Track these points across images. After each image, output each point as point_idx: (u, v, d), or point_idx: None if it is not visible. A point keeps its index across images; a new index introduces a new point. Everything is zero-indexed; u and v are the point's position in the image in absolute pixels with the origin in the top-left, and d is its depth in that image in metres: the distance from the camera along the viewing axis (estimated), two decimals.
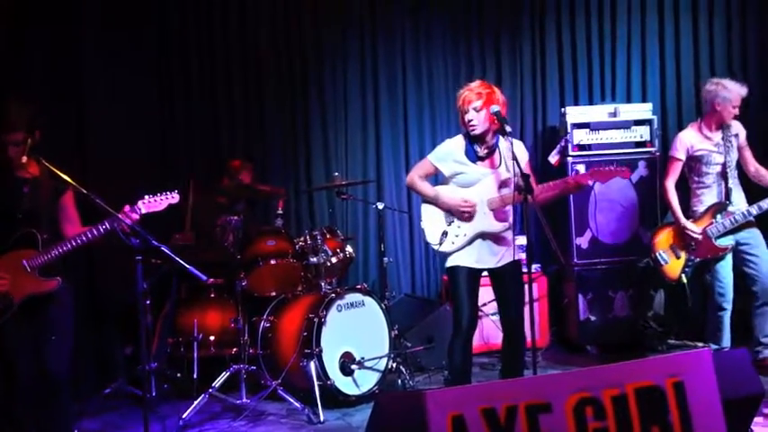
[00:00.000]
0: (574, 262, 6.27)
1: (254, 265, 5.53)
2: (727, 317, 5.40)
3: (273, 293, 5.66)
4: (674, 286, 5.71)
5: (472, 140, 4.31)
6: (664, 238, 5.51)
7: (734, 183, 5.37)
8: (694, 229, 5.33)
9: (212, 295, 5.69)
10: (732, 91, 5.27)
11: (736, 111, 5.31)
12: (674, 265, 5.45)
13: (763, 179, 5.44)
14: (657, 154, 6.28)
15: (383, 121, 6.84)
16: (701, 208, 5.40)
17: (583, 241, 6.23)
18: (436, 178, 4.55)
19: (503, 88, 6.35)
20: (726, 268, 5.39)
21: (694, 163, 5.42)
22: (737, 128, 5.43)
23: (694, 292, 5.93)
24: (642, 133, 6.29)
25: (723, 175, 5.31)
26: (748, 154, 5.46)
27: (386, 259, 5.72)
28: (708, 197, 5.40)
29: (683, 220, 5.39)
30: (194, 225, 5.85)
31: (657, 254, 5.51)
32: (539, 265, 6.52)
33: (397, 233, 6.89)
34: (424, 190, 4.48)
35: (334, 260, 5.58)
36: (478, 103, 4.22)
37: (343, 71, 6.78)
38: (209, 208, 5.88)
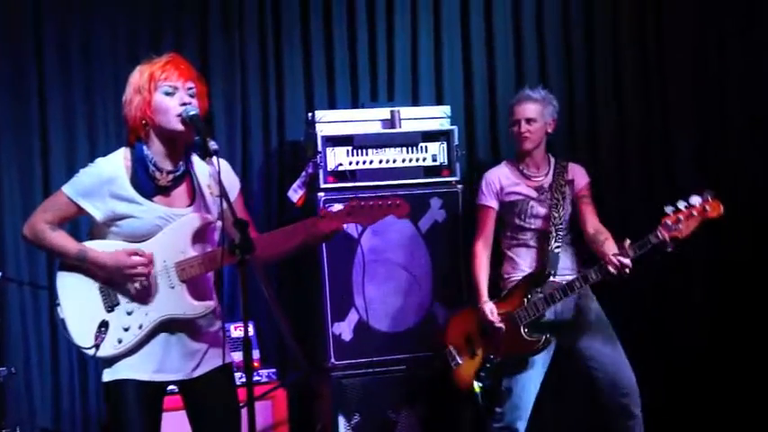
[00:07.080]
0: (330, 363, 6.00)
1: None
2: None
3: None
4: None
5: (146, 164, 4.00)
6: (460, 327, 5.65)
7: (562, 245, 5.52)
8: (490, 312, 5.43)
9: None
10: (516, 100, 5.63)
11: (522, 131, 5.55)
12: (466, 368, 5.57)
13: (598, 245, 5.38)
14: (460, 187, 6.17)
15: None
16: (514, 275, 5.56)
17: (344, 329, 6.05)
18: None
19: (212, 81, 6.32)
20: (528, 382, 5.47)
21: (506, 213, 5.61)
22: (575, 171, 5.62)
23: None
24: (435, 153, 6.19)
25: (545, 233, 5.49)
26: (589, 209, 5.59)
27: (3, 369, 5.55)
28: (524, 261, 5.58)
29: (482, 298, 5.51)
30: None
31: (448, 350, 5.62)
32: (273, 371, 6.11)
33: (29, 323, 6.31)
34: (59, 243, 4.06)
35: None
36: (193, 86, 4.00)
37: None
38: None
